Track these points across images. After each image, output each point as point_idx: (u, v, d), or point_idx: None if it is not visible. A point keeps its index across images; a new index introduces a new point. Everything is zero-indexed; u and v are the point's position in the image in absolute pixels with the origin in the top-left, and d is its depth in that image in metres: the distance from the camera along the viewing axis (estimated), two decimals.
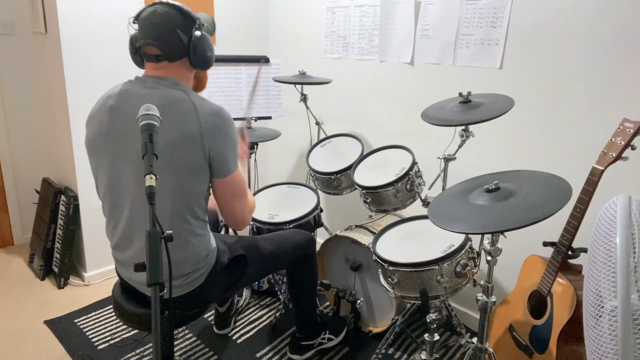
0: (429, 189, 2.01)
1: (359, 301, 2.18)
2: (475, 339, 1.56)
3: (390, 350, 2.12)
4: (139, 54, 1.40)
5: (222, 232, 2.43)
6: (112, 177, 1.39)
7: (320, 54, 2.80)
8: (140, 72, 1.45)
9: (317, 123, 2.56)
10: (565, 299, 1.54)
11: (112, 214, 1.44)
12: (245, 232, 3.29)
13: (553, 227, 1.89)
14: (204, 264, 1.47)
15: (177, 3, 1.36)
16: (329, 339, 2.08)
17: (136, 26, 1.37)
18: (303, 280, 1.91)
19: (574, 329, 1.51)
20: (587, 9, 1.74)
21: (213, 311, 2.33)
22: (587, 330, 1.24)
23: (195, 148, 1.33)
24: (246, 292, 2.51)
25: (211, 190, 1.47)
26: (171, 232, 0.96)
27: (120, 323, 2.26)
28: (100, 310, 2.36)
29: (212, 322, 2.27)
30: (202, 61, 1.40)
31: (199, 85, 1.55)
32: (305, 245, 1.85)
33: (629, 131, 1.38)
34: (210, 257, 1.49)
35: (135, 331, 2.20)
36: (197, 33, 1.36)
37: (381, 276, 1.69)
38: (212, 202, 1.69)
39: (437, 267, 1.53)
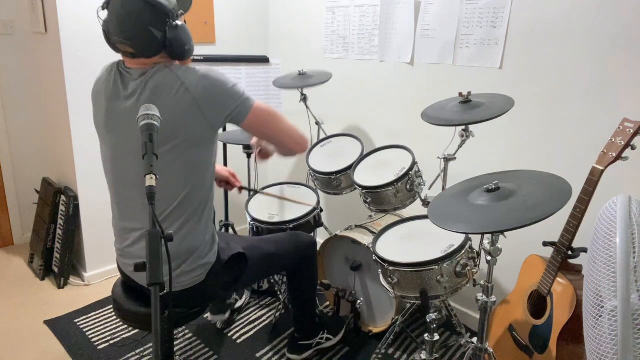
0: (429, 189, 2.01)
1: (359, 301, 2.18)
2: (475, 339, 1.56)
3: (390, 350, 2.12)
4: (114, 46, 1.36)
5: (222, 231, 2.43)
6: (115, 168, 1.42)
7: (320, 54, 2.80)
8: None
9: (317, 123, 2.56)
10: (565, 299, 1.54)
11: (116, 205, 1.47)
12: (245, 232, 3.29)
13: (553, 227, 1.89)
14: (206, 254, 1.47)
15: None
16: (327, 339, 2.08)
17: (105, 13, 1.32)
18: (303, 282, 1.91)
19: (574, 329, 1.51)
20: (587, 9, 1.74)
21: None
22: (587, 330, 1.24)
23: (197, 119, 1.33)
24: (246, 292, 2.51)
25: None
26: (171, 232, 0.97)
27: (120, 323, 2.26)
28: (100, 310, 2.36)
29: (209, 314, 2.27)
30: (180, 54, 1.37)
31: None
32: (307, 247, 1.85)
33: (629, 131, 1.38)
34: (212, 249, 1.50)
35: (135, 331, 2.20)
36: (173, 28, 1.31)
37: (381, 276, 1.69)
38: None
39: (437, 267, 1.53)
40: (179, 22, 1.33)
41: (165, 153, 1.33)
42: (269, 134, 1.48)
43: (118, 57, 1.42)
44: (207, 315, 2.25)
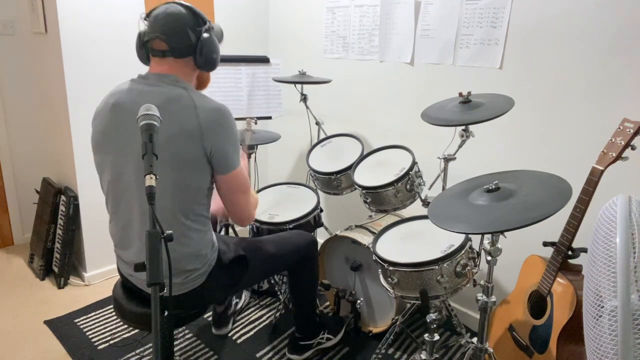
0: (429, 189, 2.01)
1: (359, 301, 2.18)
2: (475, 339, 1.56)
3: (390, 350, 2.12)
4: (145, 48, 1.41)
5: (222, 233, 2.43)
6: (115, 174, 1.40)
7: (320, 54, 2.80)
8: (143, 70, 1.46)
9: (317, 123, 2.56)
10: (565, 299, 1.54)
11: (114, 211, 1.45)
12: (245, 232, 3.29)
13: (553, 227, 1.89)
14: (205, 262, 1.47)
15: (190, 4, 1.39)
16: (328, 339, 2.08)
17: (146, 22, 1.40)
18: (304, 281, 1.91)
19: (574, 329, 1.51)
20: (587, 9, 1.74)
21: (211, 311, 2.33)
22: (587, 330, 1.24)
23: (195, 144, 1.34)
24: (246, 292, 2.51)
25: (214, 188, 1.48)
26: (171, 232, 0.97)
27: (120, 323, 2.26)
28: (100, 310, 2.36)
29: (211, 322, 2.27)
30: (207, 62, 1.42)
31: (201, 85, 1.57)
32: (307, 246, 1.85)
33: (629, 131, 1.38)
34: (211, 256, 1.50)
35: (135, 331, 2.20)
36: (206, 35, 1.39)
37: (381, 276, 1.69)
38: (215, 206, 1.68)
39: (437, 267, 1.53)
40: (212, 35, 1.42)
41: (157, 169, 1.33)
42: (230, 199, 1.49)
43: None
44: (212, 329, 2.24)
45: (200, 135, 1.33)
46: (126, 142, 1.37)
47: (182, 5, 1.38)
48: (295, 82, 2.36)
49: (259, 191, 2.40)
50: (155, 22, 1.37)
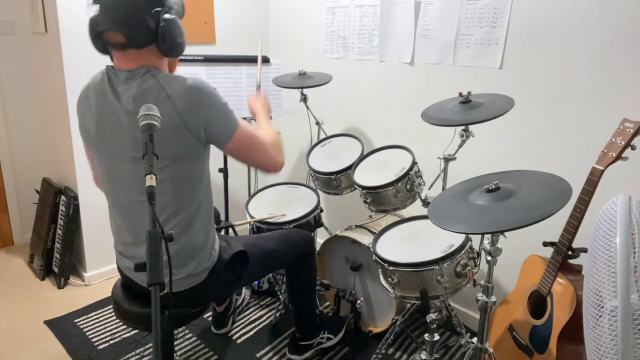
0: (429, 189, 2.01)
1: (359, 301, 2.18)
2: (475, 339, 1.56)
3: (390, 350, 2.12)
4: (100, 39, 1.27)
5: (222, 234, 2.43)
6: (108, 173, 1.41)
7: (320, 54, 2.80)
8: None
9: (317, 123, 2.56)
10: (565, 299, 1.54)
11: (110, 205, 1.47)
12: (245, 231, 3.29)
13: (553, 227, 1.88)
14: (207, 258, 1.47)
15: None
16: (328, 339, 2.08)
17: (96, 7, 1.24)
18: (302, 280, 1.91)
19: (574, 329, 1.51)
20: (587, 9, 1.74)
21: (211, 311, 2.33)
22: (587, 330, 1.24)
23: (183, 135, 1.28)
24: (246, 292, 2.51)
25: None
26: (171, 232, 0.97)
27: (120, 323, 2.26)
28: (100, 310, 2.36)
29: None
30: (172, 48, 1.29)
31: (169, 70, 1.46)
32: (305, 244, 1.85)
33: (629, 131, 1.38)
34: (213, 252, 1.50)
35: (135, 331, 2.20)
36: (166, 16, 1.24)
37: (381, 276, 1.69)
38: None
39: (437, 267, 1.53)
40: (173, 16, 1.28)
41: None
42: (251, 159, 1.45)
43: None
44: (212, 329, 2.24)
45: (183, 123, 1.26)
46: (112, 145, 1.34)
47: None
48: (294, 87, 2.36)
49: (258, 191, 2.40)
50: (106, 8, 1.22)
